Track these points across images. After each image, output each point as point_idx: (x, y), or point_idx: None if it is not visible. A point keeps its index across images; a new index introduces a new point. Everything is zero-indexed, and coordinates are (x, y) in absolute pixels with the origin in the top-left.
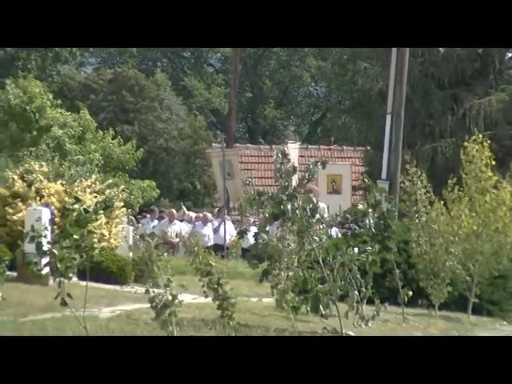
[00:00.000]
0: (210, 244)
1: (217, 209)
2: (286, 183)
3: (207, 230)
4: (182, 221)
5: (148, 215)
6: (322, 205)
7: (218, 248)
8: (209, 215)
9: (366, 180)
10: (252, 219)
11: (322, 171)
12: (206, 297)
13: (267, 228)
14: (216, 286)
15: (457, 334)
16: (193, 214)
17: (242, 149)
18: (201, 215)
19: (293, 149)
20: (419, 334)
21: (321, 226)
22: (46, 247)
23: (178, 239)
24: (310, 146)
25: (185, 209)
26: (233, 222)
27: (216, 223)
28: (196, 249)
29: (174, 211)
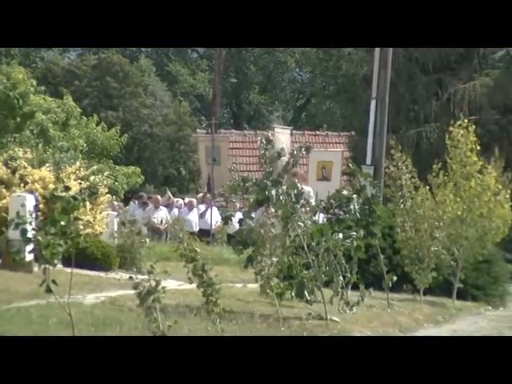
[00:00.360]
0: (196, 230)
1: (200, 194)
2: (271, 169)
3: (193, 216)
4: (166, 206)
5: (136, 201)
6: (307, 189)
7: (204, 234)
8: (194, 201)
9: (350, 165)
10: (238, 205)
11: (312, 158)
12: (191, 283)
13: (253, 214)
14: (201, 273)
15: (442, 320)
16: (181, 200)
17: (226, 134)
18: (186, 201)
19: (284, 134)
20: (408, 323)
21: (303, 210)
22: (30, 234)
23: (164, 225)
24: (294, 132)
25: (170, 194)
26: (218, 207)
27: (203, 208)
28: (181, 235)
29: (158, 197)
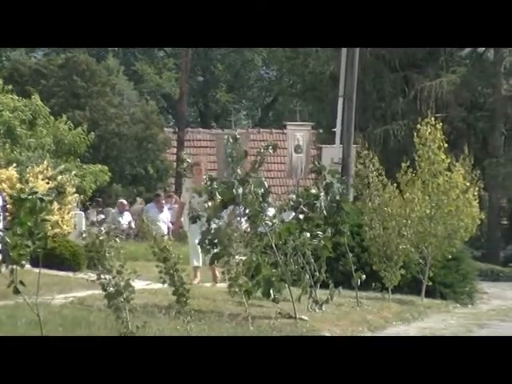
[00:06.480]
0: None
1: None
2: (237, 168)
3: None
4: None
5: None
6: None
7: None
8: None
9: (316, 163)
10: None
11: (327, 154)
12: (164, 282)
13: (222, 213)
14: (172, 272)
15: (410, 318)
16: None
17: (193, 133)
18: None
19: (300, 130)
20: (377, 321)
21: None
22: None
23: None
24: (262, 130)
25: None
26: None
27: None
28: (154, 234)
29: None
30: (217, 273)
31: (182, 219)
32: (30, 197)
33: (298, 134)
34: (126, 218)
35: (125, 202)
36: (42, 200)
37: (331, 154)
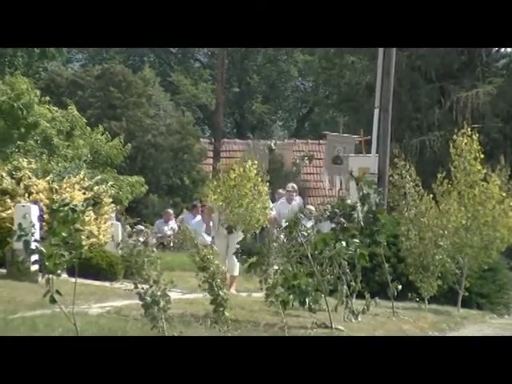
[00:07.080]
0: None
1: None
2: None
3: None
4: None
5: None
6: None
7: None
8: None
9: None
10: None
11: (354, 164)
12: (203, 291)
13: None
14: (211, 281)
15: (447, 328)
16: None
17: (229, 144)
18: None
19: (341, 141)
20: (413, 332)
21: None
22: (33, 245)
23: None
24: (297, 141)
25: None
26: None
27: None
28: (196, 242)
29: None
30: (233, 289)
31: (211, 223)
32: (61, 208)
33: (340, 145)
34: (171, 227)
35: (171, 211)
36: (73, 211)
37: (358, 163)
